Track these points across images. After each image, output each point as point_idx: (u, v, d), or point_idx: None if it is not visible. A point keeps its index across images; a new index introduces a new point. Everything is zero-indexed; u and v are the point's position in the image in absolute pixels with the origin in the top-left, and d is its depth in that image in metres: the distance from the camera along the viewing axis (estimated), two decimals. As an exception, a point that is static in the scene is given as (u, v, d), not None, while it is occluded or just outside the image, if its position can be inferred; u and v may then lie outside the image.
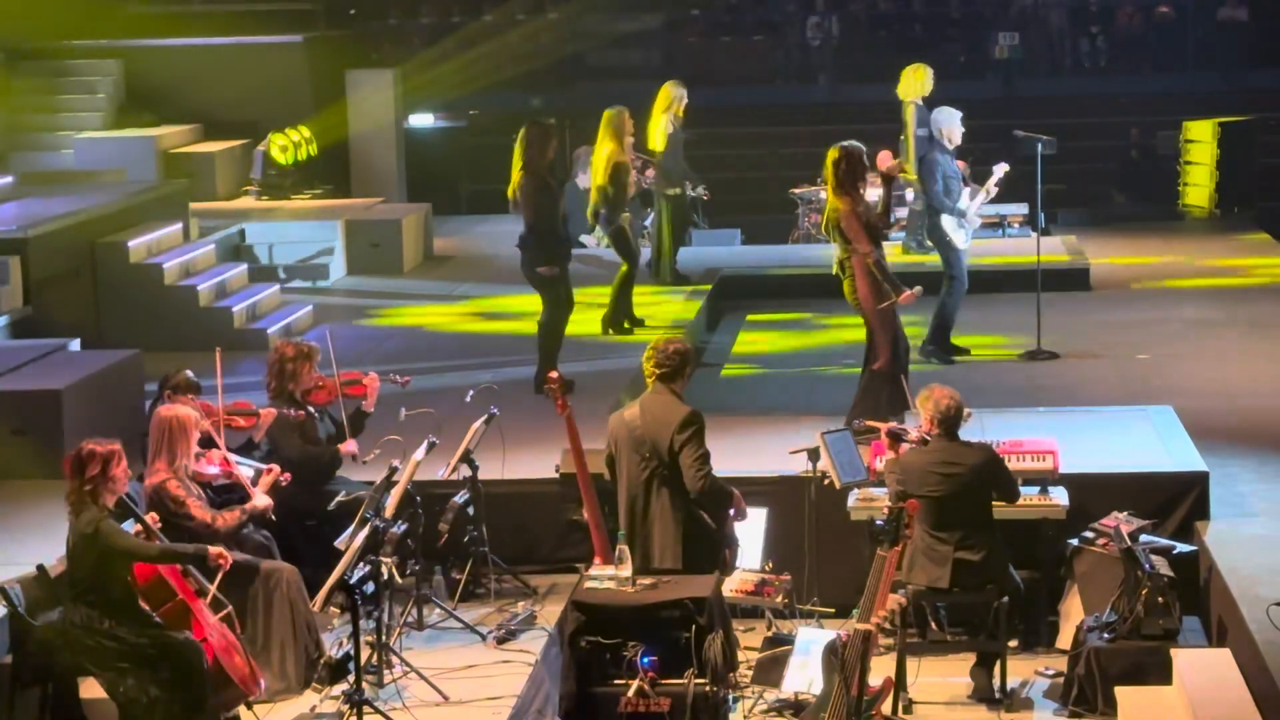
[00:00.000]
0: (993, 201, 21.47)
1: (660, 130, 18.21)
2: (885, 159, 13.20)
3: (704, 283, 18.81)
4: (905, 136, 19.28)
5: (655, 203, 18.82)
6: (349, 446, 11.46)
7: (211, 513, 10.12)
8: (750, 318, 18.51)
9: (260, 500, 10.41)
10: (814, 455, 11.52)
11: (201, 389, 11.13)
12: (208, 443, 10.60)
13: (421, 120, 25.96)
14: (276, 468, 10.65)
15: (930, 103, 19.44)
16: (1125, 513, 11.13)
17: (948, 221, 15.30)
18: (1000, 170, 15.71)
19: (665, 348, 10.36)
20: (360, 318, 17.93)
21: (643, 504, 10.18)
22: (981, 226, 20.64)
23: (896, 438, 11.04)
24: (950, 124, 15.53)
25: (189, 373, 11.09)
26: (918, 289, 12.77)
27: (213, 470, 10.37)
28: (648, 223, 19.41)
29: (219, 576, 9.49)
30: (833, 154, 12.65)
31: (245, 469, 10.58)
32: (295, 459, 11.16)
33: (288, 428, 11.27)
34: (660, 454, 10.14)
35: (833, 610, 11.33)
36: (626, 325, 16.64)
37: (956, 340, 15.86)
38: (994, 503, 10.69)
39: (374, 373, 11.96)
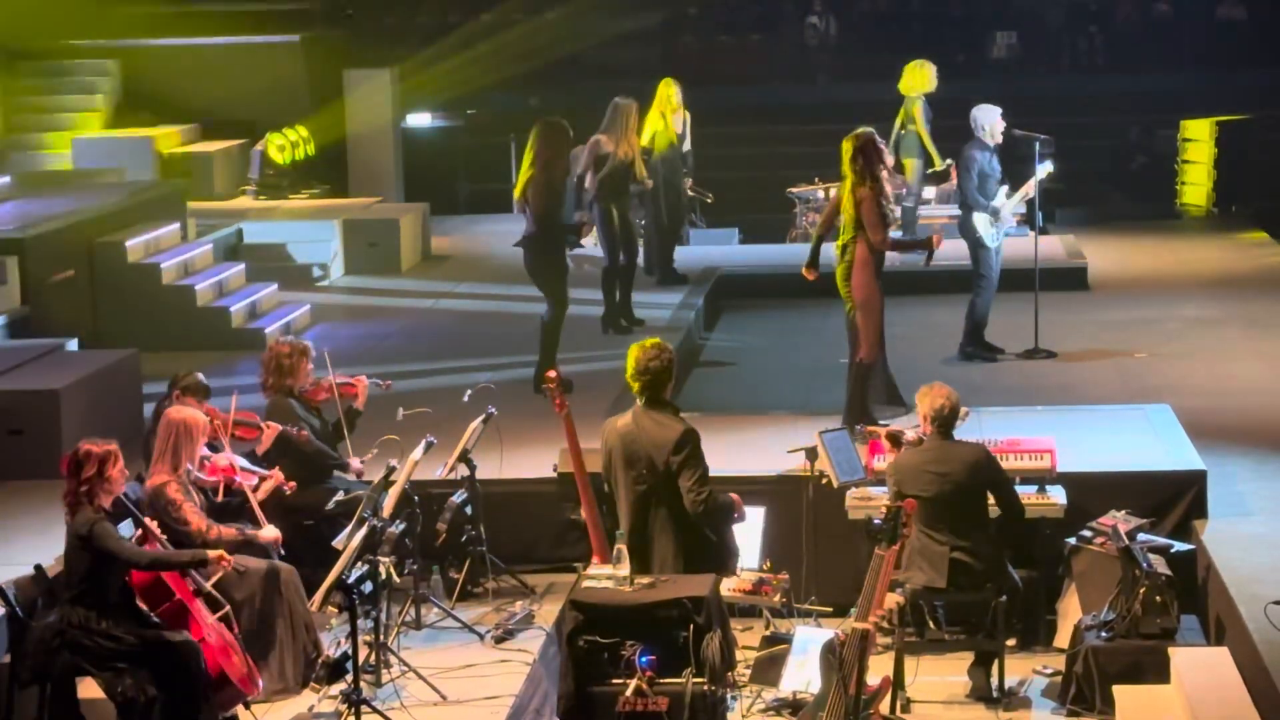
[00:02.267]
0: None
1: (671, 127, 18.22)
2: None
3: (701, 281, 18.81)
4: (917, 130, 19.27)
5: (653, 200, 18.81)
6: (356, 465, 11.46)
7: (208, 522, 10.10)
8: (747, 316, 18.54)
9: (268, 532, 10.38)
10: (812, 454, 11.53)
11: (211, 392, 11.13)
12: (212, 448, 10.59)
13: (419, 120, 25.96)
14: (279, 473, 10.65)
15: (930, 100, 19.48)
16: (1123, 511, 11.12)
17: (980, 219, 15.26)
18: (1043, 171, 15.66)
19: (645, 364, 10.11)
20: (358, 317, 17.92)
21: (641, 520, 10.11)
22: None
23: (896, 440, 11.05)
24: (992, 120, 15.48)
25: (200, 375, 11.09)
26: (939, 235, 13.21)
27: (212, 479, 10.36)
28: (642, 221, 19.40)
29: (215, 577, 9.49)
30: (849, 144, 12.71)
31: (249, 475, 10.56)
32: (307, 454, 11.18)
33: (292, 443, 11.23)
34: (656, 472, 10.07)
35: (830, 609, 11.32)
36: (623, 323, 16.62)
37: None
38: (992, 507, 10.70)
39: (362, 375, 12.00)
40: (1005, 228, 15.51)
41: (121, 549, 9.13)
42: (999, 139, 15.55)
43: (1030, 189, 15.71)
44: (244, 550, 10.33)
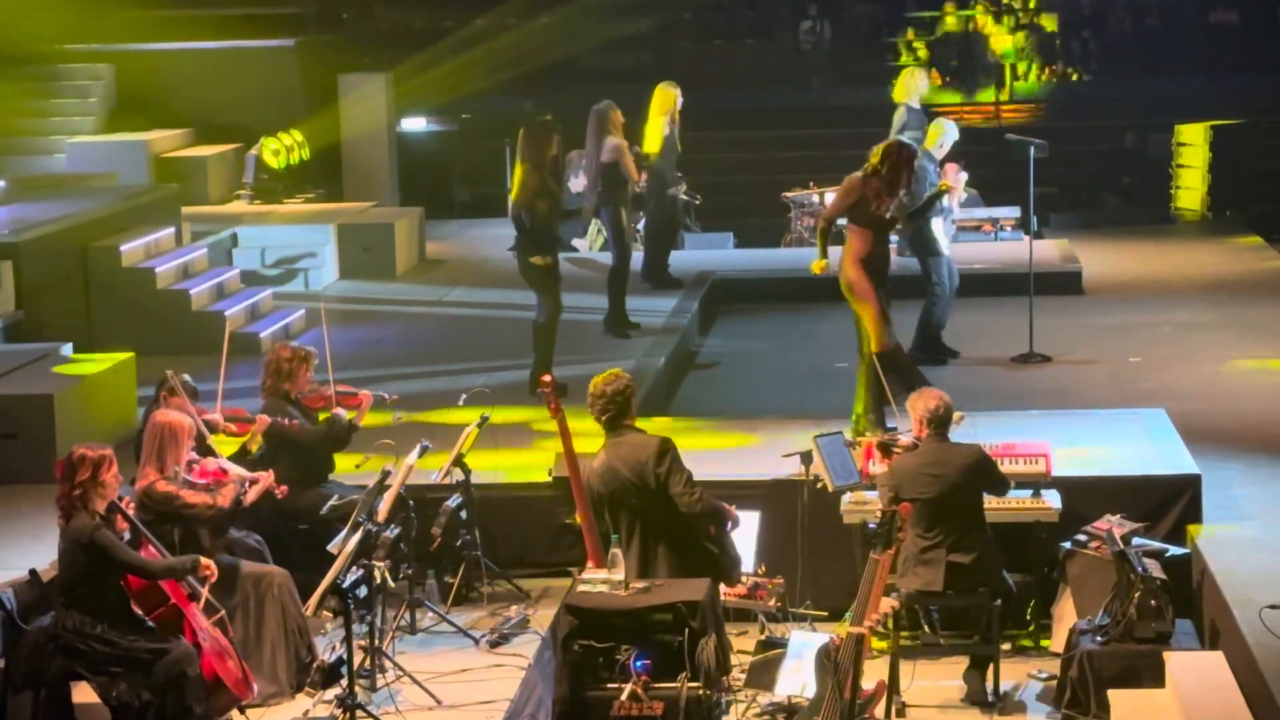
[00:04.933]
0: (985, 204, 21.68)
1: (658, 132, 18.19)
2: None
3: (696, 286, 18.81)
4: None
5: (647, 205, 18.82)
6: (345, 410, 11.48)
7: (210, 496, 10.10)
8: (742, 321, 18.53)
9: (242, 471, 10.36)
10: (807, 458, 11.53)
11: (199, 394, 11.13)
12: (204, 451, 10.58)
13: (414, 124, 25.97)
14: (270, 475, 10.64)
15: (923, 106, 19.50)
16: (1118, 516, 11.12)
17: (938, 225, 15.31)
18: (961, 178, 15.85)
19: (603, 392, 10.23)
20: (353, 321, 17.92)
21: (643, 558, 10.15)
22: (975, 230, 20.85)
23: (886, 450, 11.06)
24: (945, 135, 15.58)
25: (186, 376, 11.09)
26: (827, 262, 12.85)
27: (202, 482, 10.34)
28: (640, 225, 19.40)
29: (208, 582, 9.49)
30: (885, 146, 12.67)
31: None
32: (305, 444, 11.19)
33: (285, 433, 11.24)
34: (646, 498, 10.10)
35: (825, 614, 11.32)
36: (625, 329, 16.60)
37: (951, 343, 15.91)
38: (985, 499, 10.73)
39: (368, 390, 11.94)
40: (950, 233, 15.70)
41: (129, 559, 9.14)
42: (945, 153, 15.69)
43: (960, 194, 15.92)
44: (241, 545, 10.36)
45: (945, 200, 15.52)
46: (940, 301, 15.62)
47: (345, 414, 11.49)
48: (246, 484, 10.28)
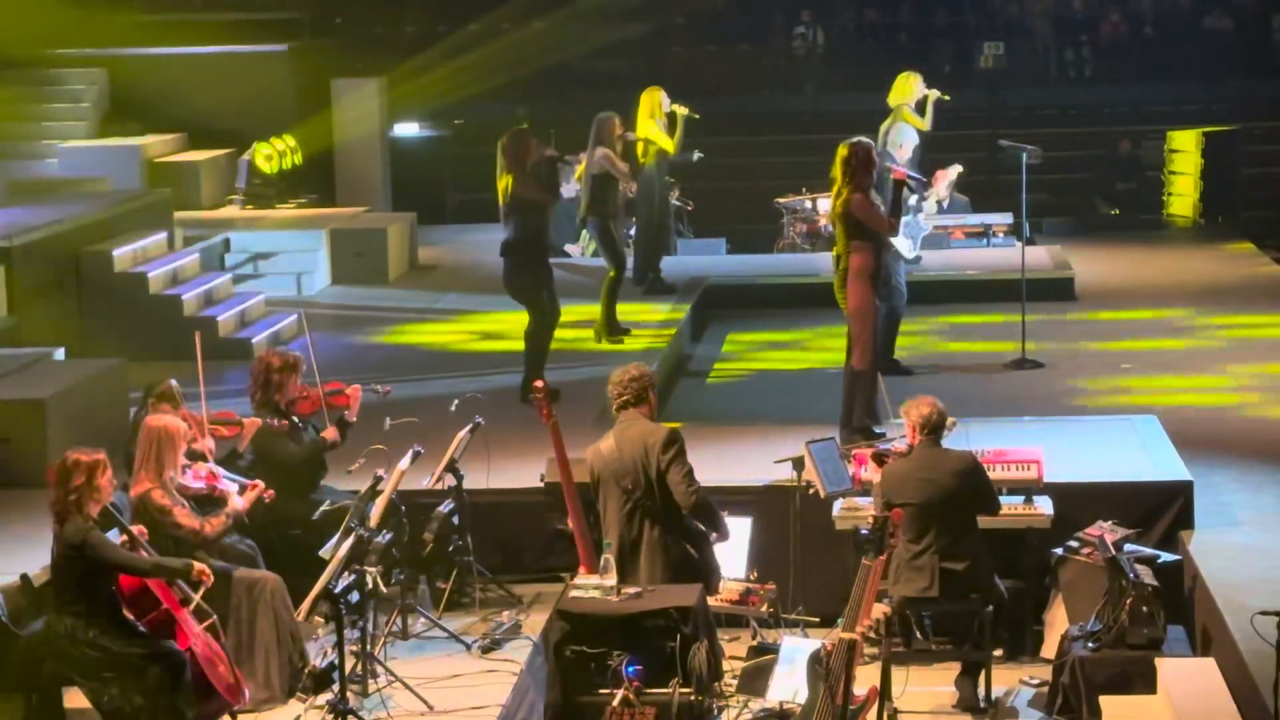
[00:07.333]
0: (978, 210, 21.68)
1: (660, 133, 18.18)
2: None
3: (689, 291, 18.81)
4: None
5: (639, 210, 18.82)
6: (329, 432, 11.46)
7: (200, 519, 10.10)
8: (734, 328, 18.53)
9: (237, 501, 10.38)
10: (799, 465, 11.53)
11: (185, 398, 11.12)
12: (194, 455, 10.58)
13: (407, 129, 25.96)
14: (260, 484, 10.63)
15: (920, 109, 19.52)
16: (1110, 522, 11.14)
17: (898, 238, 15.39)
18: (953, 172, 15.79)
19: (622, 378, 10.44)
20: (344, 327, 17.91)
21: (629, 541, 10.18)
22: (966, 235, 20.84)
23: (881, 460, 11.06)
24: (905, 139, 15.68)
25: (173, 382, 11.08)
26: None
27: (197, 485, 10.34)
28: (631, 232, 19.41)
29: (202, 588, 9.49)
30: (844, 150, 12.66)
31: (229, 484, 10.55)
32: (288, 464, 11.18)
33: (273, 437, 11.26)
34: (644, 482, 10.13)
35: (817, 619, 11.32)
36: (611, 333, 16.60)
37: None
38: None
39: (356, 384, 11.96)
40: (921, 234, 15.70)
41: (118, 557, 9.12)
42: (906, 157, 15.77)
43: (943, 191, 15.86)
44: (233, 550, 10.35)
45: (914, 200, 15.52)
46: (901, 303, 15.55)
47: (328, 438, 11.47)
48: (233, 517, 10.28)
